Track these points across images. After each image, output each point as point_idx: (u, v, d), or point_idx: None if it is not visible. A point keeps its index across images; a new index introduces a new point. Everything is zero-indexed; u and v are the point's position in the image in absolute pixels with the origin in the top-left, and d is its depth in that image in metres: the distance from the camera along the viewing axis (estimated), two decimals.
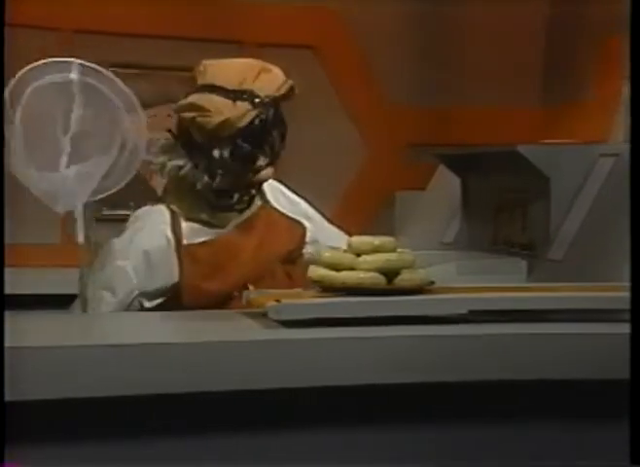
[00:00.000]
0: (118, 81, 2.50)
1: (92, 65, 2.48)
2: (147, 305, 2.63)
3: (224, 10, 5.26)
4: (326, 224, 2.90)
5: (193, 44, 5.05)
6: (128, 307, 2.62)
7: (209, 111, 2.58)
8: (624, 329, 2.08)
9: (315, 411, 2.14)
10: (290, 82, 2.66)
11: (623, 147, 2.96)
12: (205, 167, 2.62)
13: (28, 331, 2.22)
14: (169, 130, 2.68)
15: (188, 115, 2.60)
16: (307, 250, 2.80)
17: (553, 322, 2.34)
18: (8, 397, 1.91)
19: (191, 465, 2.10)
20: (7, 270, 2.16)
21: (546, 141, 3.61)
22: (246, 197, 2.70)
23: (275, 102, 2.64)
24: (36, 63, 2.46)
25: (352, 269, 2.31)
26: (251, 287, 2.62)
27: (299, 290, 2.46)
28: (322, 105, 5.33)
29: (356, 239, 2.37)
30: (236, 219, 2.72)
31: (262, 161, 2.66)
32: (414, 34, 5.59)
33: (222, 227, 2.70)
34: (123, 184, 2.58)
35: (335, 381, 2.10)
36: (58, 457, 2.01)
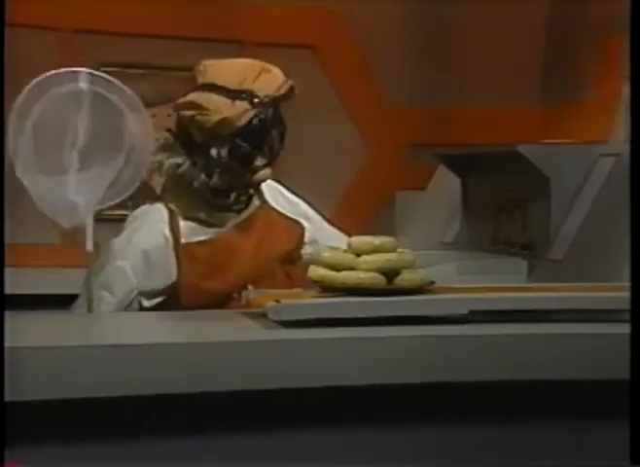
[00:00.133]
0: (127, 90, 2.51)
1: (102, 75, 2.48)
2: (146, 304, 2.63)
3: (224, 10, 5.26)
4: (325, 224, 2.90)
5: (193, 44, 5.05)
6: (128, 307, 2.62)
7: (208, 109, 2.59)
8: (624, 329, 2.08)
9: (315, 411, 2.14)
10: (290, 82, 2.66)
11: (624, 147, 2.96)
12: (203, 166, 2.63)
13: (28, 331, 2.22)
14: (168, 129, 2.68)
15: (187, 113, 2.61)
16: (306, 250, 2.80)
17: (554, 322, 2.34)
18: (8, 397, 1.91)
19: (191, 465, 2.10)
20: (7, 271, 2.16)
21: (546, 141, 3.61)
22: (244, 197, 2.70)
23: (275, 102, 2.64)
24: (48, 73, 2.46)
25: (352, 269, 2.31)
26: (250, 287, 2.62)
27: (298, 290, 2.46)
28: (322, 105, 5.33)
29: (356, 239, 2.37)
30: (235, 219, 2.72)
31: (260, 162, 2.66)
32: (414, 34, 5.59)
33: (220, 226, 2.70)
34: (129, 193, 2.58)
35: (335, 382, 2.10)
36: (58, 458, 2.01)
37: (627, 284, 2.12)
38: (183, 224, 2.66)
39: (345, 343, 2.14)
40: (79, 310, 2.65)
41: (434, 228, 4.09)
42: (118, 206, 2.59)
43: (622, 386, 2.06)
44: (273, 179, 2.81)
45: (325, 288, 2.35)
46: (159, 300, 2.64)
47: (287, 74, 2.71)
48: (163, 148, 2.67)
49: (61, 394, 1.97)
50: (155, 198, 2.73)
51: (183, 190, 2.66)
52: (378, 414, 2.18)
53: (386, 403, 2.17)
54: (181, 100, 2.63)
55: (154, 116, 2.74)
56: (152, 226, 2.65)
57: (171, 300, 2.63)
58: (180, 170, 2.64)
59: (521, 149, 3.34)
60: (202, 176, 2.63)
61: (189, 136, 2.62)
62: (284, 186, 2.87)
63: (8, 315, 2.03)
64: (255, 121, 2.61)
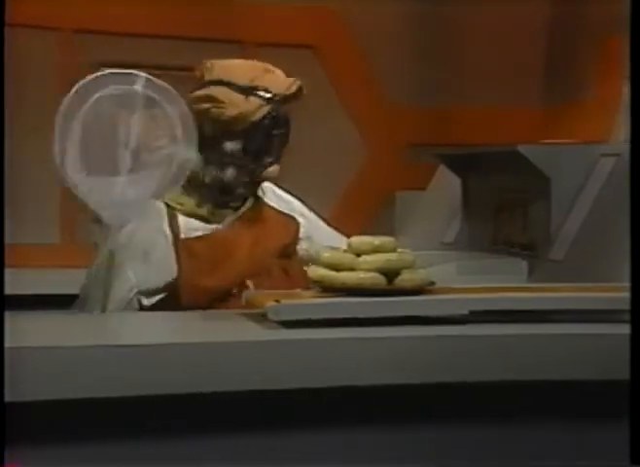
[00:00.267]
0: (178, 96, 2.52)
1: (157, 80, 2.49)
2: (145, 302, 2.63)
3: (224, 10, 5.26)
4: (321, 223, 2.91)
5: (193, 44, 5.05)
6: (127, 306, 2.62)
7: (223, 102, 2.61)
8: (625, 330, 2.08)
9: (315, 411, 2.14)
10: (299, 82, 2.69)
11: (624, 147, 2.96)
12: (216, 161, 2.64)
13: (28, 331, 2.22)
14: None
15: (203, 106, 2.62)
16: (302, 246, 2.81)
17: (554, 323, 2.33)
18: (8, 398, 1.90)
19: (191, 465, 2.10)
20: (6, 271, 2.16)
21: (546, 141, 3.61)
22: (245, 194, 2.71)
23: (285, 100, 2.66)
24: (101, 73, 2.47)
25: (352, 269, 2.31)
26: (249, 282, 2.62)
27: (298, 290, 2.46)
28: (322, 105, 5.33)
29: (356, 239, 2.37)
30: (232, 215, 2.72)
31: (270, 158, 2.67)
32: (414, 34, 5.59)
33: (218, 223, 2.70)
34: (165, 196, 2.59)
35: (335, 382, 2.10)
36: (58, 458, 2.01)
37: (628, 284, 2.12)
38: (182, 220, 2.66)
39: (345, 344, 2.14)
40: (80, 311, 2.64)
41: (434, 228, 4.09)
42: None
43: (621, 386, 2.06)
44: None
45: (325, 288, 2.35)
46: (158, 297, 2.63)
47: (287, 74, 2.72)
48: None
49: (61, 394, 1.96)
50: None
51: (187, 186, 2.66)
52: (378, 415, 2.17)
53: (386, 403, 2.17)
54: (196, 93, 2.64)
55: None
56: (151, 223, 2.65)
57: (171, 297, 2.62)
58: (190, 165, 2.65)
59: (522, 149, 3.34)
60: (215, 172, 2.64)
61: (201, 131, 2.62)
62: (280, 186, 2.88)
63: (8, 316, 2.02)
64: (268, 117, 2.64)
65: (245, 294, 2.48)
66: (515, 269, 3.33)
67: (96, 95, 2.46)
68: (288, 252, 2.77)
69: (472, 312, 2.28)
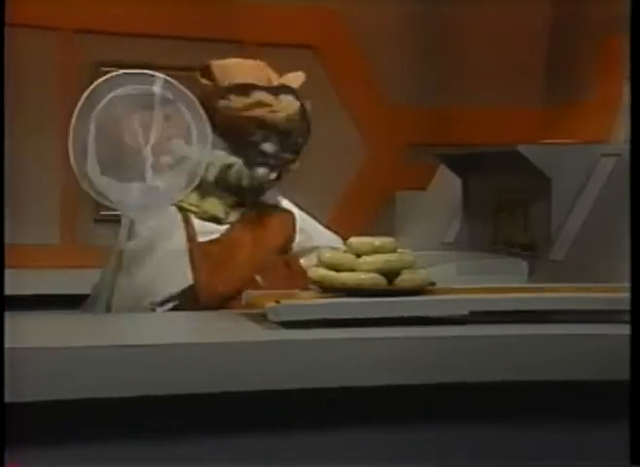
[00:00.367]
0: (194, 99, 2.52)
1: (173, 81, 2.49)
2: (159, 310, 2.62)
3: (224, 10, 5.26)
4: (309, 217, 2.91)
5: (193, 44, 5.05)
6: (135, 308, 2.60)
7: (272, 106, 2.65)
8: (625, 330, 2.08)
9: (315, 411, 2.14)
10: (303, 75, 2.72)
11: (625, 147, 2.96)
12: (252, 162, 2.65)
13: (28, 331, 2.22)
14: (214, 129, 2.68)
15: (256, 112, 2.64)
16: (295, 239, 2.81)
17: (554, 323, 2.33)
18: (8, 398, 1.90)
19: (191, 465, 2.10)
20: (6, 271, 2.16)
21: (546, 141, 3.61)
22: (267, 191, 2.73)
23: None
24: (116, 73, 2.47)
25: (352, 269, 2.31)
26: (258, 278, 2.63)
27: (298, 291, 2.46)
28: (322, 105, 5.31)
29: (356, 240, 2.37)
30: (235, 214, 2.73)
31: (295, 155, 2.73)
32: (414, 34, 5.59)
33: (226, 223, 2.71)
34: (177, 199, 2.59)
35: (335, 382, 2.10)
36: (59, 458, 2.01)
37: (628, 285, 2.12)
38: (197, 223, 2.67)
39: (345, 344, 2.14)
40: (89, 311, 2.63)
41: (434, 228, 4.09)
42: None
43: (622, 387, 2.06)
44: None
45: (325, 289, 2.34)
46: (171, 305, 2.62)
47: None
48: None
49: (61, 395, 1.96)
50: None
51: (213, 189, 2.67)
52: (378, 415, 2.17)
53: (386, 403, 2.17)
54: (245, 101, 2.64)
55: None
56: (167, 229, 2.64)
57: (184, 303, 2.61)
58: (233, 170, 2.66)
59: (522, 149, 3.34)
60: (249, 172, 2.65)
61: (244, 135, 2.64)
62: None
63: (8, 316, 2.02)
64: (300, 112, 2.70)
65: (245, 294, 2.48)
66: (515, 270, 3.33)
67: (110, 96, 2.45)
68: (288, 246, 2.78)
69: (472, 313, 2.28)
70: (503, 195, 3.65)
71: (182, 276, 2.62)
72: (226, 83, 2.66)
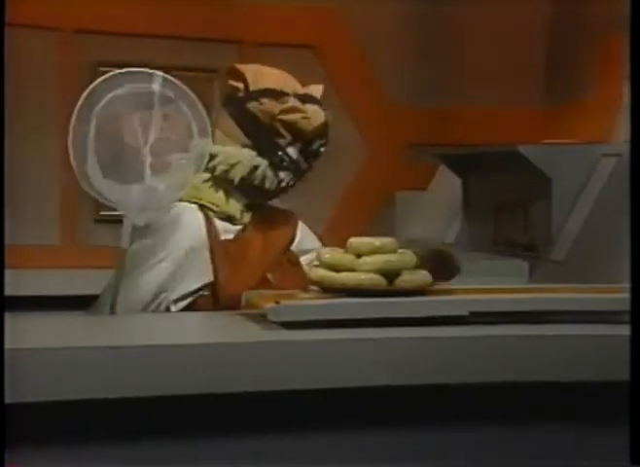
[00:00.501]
0: (196, 98, 2.52)
1: (172, 79, 2.49)
2: (173, 309, 2.61)
3: (224, 10, 5.25)
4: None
5: (193, 44, 5.05)
6: (154, 310, 2.60)
7: (306, 112, 2.67)
8: (625, 331, 2.08)
9: (315, 411, 2.14)
10: (322, 86, 2.78)
11: (625, 147, 2.96)
12: (283, 166, 2.68)
13: (28, 332, 2.22)
14: (242, 130, 2.70)
15: (292, 117, 2.66)
16: (296, 239, 2.83)
17: (554, 324, 2.33)
18: (8, 399, 1.90)
19: (190, 465, 2.10)
20: (6, 272, 2.16)
21: (547, 141, 3.61)
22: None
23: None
24: (116, 71, 2.47)
25: (352, 270, 2.31)
26: (270, 277, 2.64)
27: (298, 291, 2.46)
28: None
29: (356, 240, 2.37)
30: (247, 215, 2.74)
31: (314, 158, 2.75)
32: (414, 34, 5.58)
33: (239, 224, 2.72)
34: (177, 199, 2.59)
35: (334, 383, 2.10)
36: (59, 459, 2.01)
37: (628, 285, 2.11)
38: (217, 223, 2.68)
39: (345, 345, 2.14)
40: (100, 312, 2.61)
41: (434, 228, 4.09)
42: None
43: (621, 387, 2.06)
44: None
45: (325, 289, 2.34)
46: (186, 302, 2.62)
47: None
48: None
49: (62, 396, 1.96)
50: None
51: (233, 188, 2.68)
52: (378, 415, 2.17)
53: (386, 404, 2.17)
54: (285, 106, 2.66)
55: None
56: (188, 229, 2.64)
57: (201, 301, 2.61)
58: (258, 172, 2.67)
59: (522, 149, 3.34)
60: (280, 175, 2.67)
61: (271, 137, 2.66)
62: None
63: (8, 317, 2.02)
64: (324, 123, 2.72)
65: (245, 295, 2.48)
66: (515, 270, 3.33)
67: (110, 95, 2.45)
68: (291, 245, 2.80)
69: (472, 313, 2.28)
70: (503, 195, 3.65)
71: (202, 273, 2.62)
72: (258, 87, 2.68)
